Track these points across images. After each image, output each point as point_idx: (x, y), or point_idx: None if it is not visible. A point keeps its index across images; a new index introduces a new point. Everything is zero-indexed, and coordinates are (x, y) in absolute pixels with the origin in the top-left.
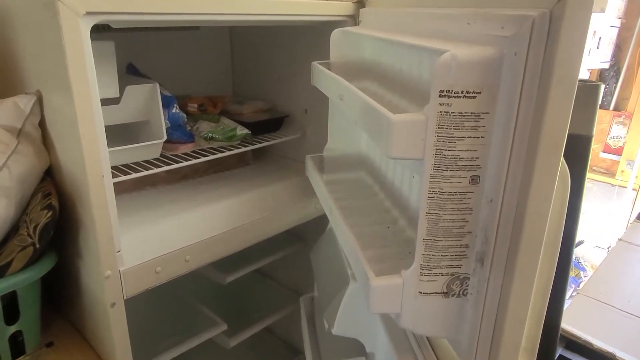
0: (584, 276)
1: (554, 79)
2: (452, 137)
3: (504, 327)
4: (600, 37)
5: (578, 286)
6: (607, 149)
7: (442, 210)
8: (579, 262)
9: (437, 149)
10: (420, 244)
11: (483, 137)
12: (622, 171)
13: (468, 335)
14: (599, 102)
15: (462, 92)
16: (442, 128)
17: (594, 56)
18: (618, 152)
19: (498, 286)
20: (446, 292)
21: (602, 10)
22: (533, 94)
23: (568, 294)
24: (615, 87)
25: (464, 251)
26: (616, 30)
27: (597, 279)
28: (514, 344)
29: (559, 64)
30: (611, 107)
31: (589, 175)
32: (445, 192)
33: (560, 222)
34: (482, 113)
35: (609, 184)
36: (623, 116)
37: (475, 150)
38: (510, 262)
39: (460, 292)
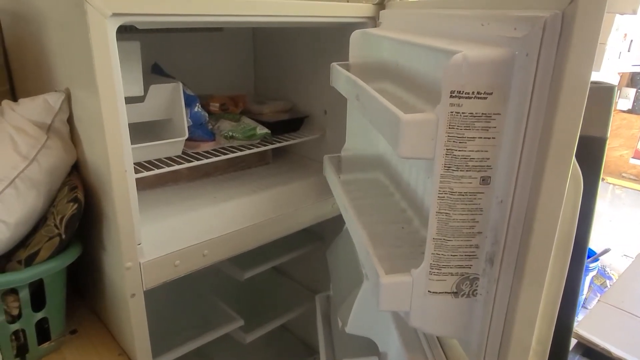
0: (610, 285)
1: (565, 80)
2: (462, 137)
3: (513, 329)
4: (631, 40)
5: (604, 295)
6: (638, 155)
7: (452, 210)
8: (605, 271)
9: (447, 149)
10: (430, 243)
11: (494, 137)
12: None
13: (477, 335)
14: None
15: (473, 92)
16: (453, 128)
17: (625, 59)
18: None
19: (507, 287)
20: (456, 292)
21: (634, 12)
22: (544, 96)
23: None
24: None
25: (474, 251)
26: None
27: (620, 287)
28: (524, 345)
29: (570, 65)
30: None
31: (617, 182)
32: (456, 192)
33: (572, 224)
34: (493, 114)
35: (639, 191)
36: None
37: (486, 151)
38: (520, 264)
39: (470, 293)
